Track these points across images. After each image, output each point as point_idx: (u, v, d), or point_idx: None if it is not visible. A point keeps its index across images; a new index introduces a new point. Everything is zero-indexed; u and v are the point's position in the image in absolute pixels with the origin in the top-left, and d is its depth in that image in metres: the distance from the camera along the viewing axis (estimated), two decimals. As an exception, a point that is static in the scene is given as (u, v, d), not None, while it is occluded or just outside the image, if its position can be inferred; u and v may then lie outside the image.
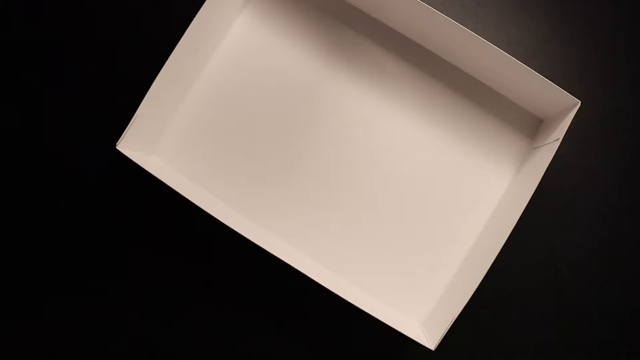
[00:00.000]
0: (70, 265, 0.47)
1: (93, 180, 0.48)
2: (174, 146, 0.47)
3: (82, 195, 0.48)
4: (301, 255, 0.45)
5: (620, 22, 0.48)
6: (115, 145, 0.40)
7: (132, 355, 0.47)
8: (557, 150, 0.40)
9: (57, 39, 0.49)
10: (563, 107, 0.42)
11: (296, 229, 0.46)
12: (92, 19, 0.49)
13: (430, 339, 0.41)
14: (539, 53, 0.48)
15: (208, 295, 0.47)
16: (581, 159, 0.47)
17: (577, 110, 0.40)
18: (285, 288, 0.46)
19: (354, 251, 0.46)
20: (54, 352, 0.47)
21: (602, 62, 0.48)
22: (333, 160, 0.46)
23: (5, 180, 0.48)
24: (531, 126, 0.46)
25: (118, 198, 0.47)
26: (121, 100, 0.47)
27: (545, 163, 0.40)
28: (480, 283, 0.39)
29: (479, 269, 0.40)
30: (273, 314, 0.47)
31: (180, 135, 0.47)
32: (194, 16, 0.41)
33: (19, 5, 0.49)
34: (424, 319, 0.45)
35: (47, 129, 0.48)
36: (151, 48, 0.48)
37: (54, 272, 0.47)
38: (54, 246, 0.47)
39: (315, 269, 0.43)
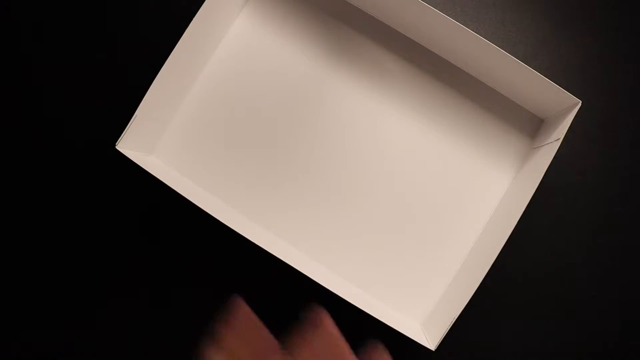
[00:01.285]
0: (70, 265, 0.47)
1: (93, 180, 0.48)
2: (173, 146, 0.47)
3: (82, 195, 0.48)
4: (302, 256, 0.45)
5: (620, 22, 0.48)
6: (115, 145, 0.40)
7: (131, 354, 0.46)
8: (557, 150, 0.40)
9: (58, 39, 0.49)
10: (563, 106, 0.42)
11: (296, 229, 0.46)
12: (92, 18, 0.49)
13: (430, 340, 0.41)
14: (539, 53, 0.48)
15: (208, 295, 0.47)
16: (581, 159, 0.47)
17: (577, 110, 0.40)
18: (286, 288, 0.46)
19: (355, 252, 0.46)
20: (55, 353, 0.47)
21: (602, 62, 0.48)
22: (333, 159, 0.46)
23: (5, 180, 0.48)
24: (531, 126, 0.46)
25: (118, 198, 0.47)
26: (121, 100, 0.47)
27: (546, 163, 0.40)
28: (481, 283, 0.39)
29: (479, 269, 0.40)
30: (273, 313, 0.46)
31: (180, 135, 0.47)
32: (193, 16, 0.41)
33: (19, 5, 0.49)
34: (424, 319, 0.45)
35: (47, 129, 0.48)
36: (151, 48, 0.48)
37: (54, 272, 0.47)
38: (54, 246, 0.47)
39: (316, 269, 0.43)
